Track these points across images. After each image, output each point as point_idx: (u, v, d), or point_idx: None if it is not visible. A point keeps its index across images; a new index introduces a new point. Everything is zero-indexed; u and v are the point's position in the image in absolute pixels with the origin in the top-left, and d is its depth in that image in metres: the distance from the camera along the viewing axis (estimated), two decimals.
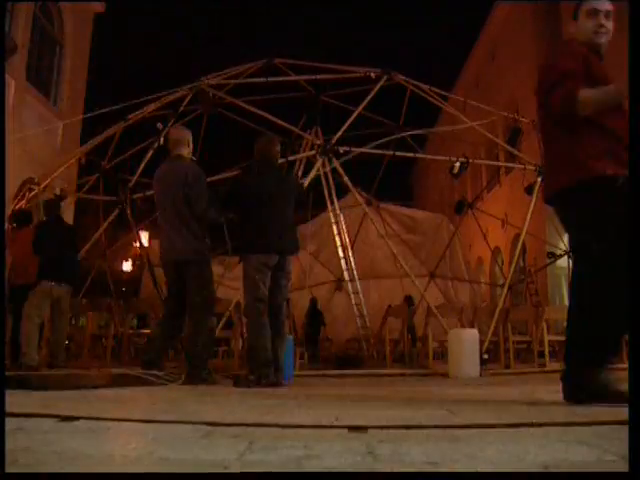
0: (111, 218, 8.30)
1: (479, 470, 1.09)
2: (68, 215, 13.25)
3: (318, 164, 7.23)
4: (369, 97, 8.20)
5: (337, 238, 9.84)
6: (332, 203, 9.64)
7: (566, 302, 13.64)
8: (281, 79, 8.67)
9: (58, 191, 8.24)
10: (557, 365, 6.56)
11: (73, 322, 9.43)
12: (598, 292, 2.26)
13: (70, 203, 9.31)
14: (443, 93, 9.67)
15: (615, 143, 2.34)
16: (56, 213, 6.00)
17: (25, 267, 5.63)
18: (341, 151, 7.33)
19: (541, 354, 6.73)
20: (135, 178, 7.88)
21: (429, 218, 11.41)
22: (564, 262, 11.56)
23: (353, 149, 7.74)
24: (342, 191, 9.67)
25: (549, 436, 1.47)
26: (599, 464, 1.13)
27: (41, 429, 1.55)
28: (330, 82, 9.22)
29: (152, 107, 8.46)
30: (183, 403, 2.63)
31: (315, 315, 10.59)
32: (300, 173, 9.52)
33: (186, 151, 4.38)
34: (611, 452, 1.23)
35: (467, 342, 5.61)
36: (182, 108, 8.23)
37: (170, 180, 4.23)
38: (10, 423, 1.52)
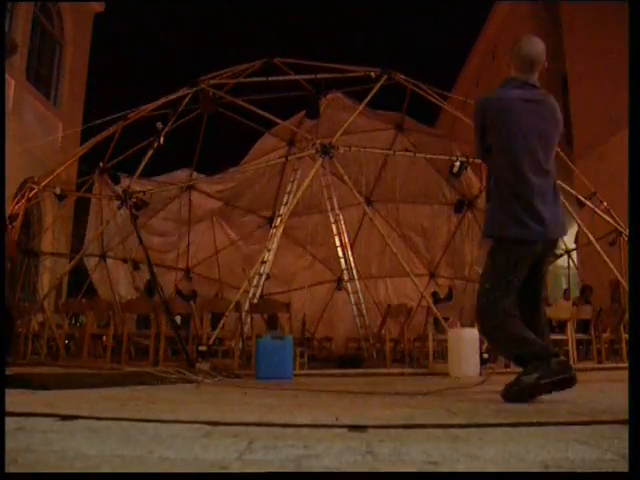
0: (111, 217, 8.31)
1: (479, 470, 1.09)
2: (68, 214, 13.28)
3: (318, 164, 7.23)
4: (369, 97, 8.20)
5: (336, 238, 9.84)
6: (331, 202, 9.64)
7: None
8: (281, 78, 8.67)
9: (58, 191, 8.23)
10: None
11: (73, 322, 9.44)
12: None
13: (70, 202, 9.29)
14: (443, 92, 9.66)
15: None
16: None
17: None
18: (341, 151, 7.32)
19: None
20: (135, 177, 7.89)
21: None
22: (564, 262, 11.56)
23: (353, 148, 7.74)
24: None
25: (549, 436, 1.47)
26: (599, 464, 1.13)
27: (41, 429, 1.55)
28: (330, 81, 9.22)
29: (152, 106, 8.46)
30: (183, 403, 2.63)
31: None
32: (300, 173, 9.53)
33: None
34: (611, 452, 1.23)
35: (467, 342, 5.61)
36: (182, 108, 8.22)
37: (549, 119, 2.88)
38: (10, 423, 1.51)
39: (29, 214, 9.92)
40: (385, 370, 6.33)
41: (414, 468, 1.10)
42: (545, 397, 2.56)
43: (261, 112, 8.92)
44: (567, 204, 7.94)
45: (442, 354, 7.91)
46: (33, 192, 8.58)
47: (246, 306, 7.37)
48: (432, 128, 11.54)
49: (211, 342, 6.21)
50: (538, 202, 2.77)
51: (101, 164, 8.99)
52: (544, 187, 2.81)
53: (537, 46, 3.04)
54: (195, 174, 10.03)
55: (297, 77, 8.78)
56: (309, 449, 1.27)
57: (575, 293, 13.10)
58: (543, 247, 2.87)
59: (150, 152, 8.27)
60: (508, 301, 2.76)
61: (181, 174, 9.96)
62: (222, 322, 6.47)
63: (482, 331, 3.05)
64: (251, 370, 5.32)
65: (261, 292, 9.20)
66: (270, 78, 8.48)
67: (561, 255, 11.11)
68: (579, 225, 7.87)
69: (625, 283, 7.13)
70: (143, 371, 4.50)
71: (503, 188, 2.83)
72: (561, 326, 7.25)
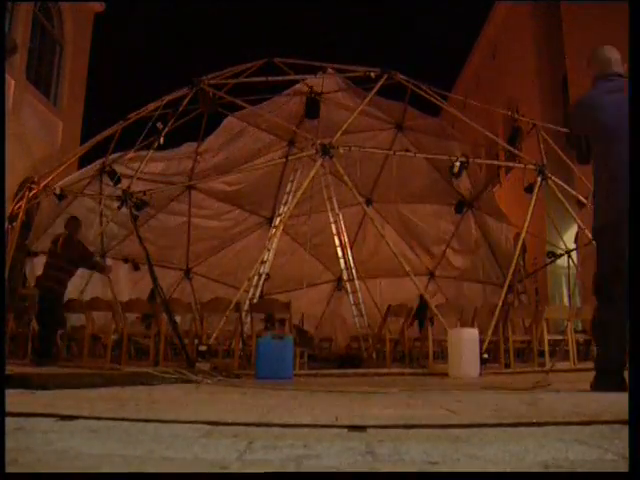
0: (111, 217, 8.31)
1: (479, 470, 1.09)
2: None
3: (318, 164, 7.23)
4: (369, 97, 8.20)
5: (336, 238, 9.84)
6: (331, 202, 9.64)
7: (566, 302, 13.65)
8: (281, 78, 8.67)
9: (58, 191, 8.23)
10: (557, 365, 6.57)
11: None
12: None
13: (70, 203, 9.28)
14: (443, 93, 9.65)
15: None
16: None
17: None
18: (341, 151, 7.32)
19: (541, 354, 6.73)
20: (135, 176, 7.88)
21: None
22: (564, 262, 11.56)
23: (353, 148, 7.74)
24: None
25: (549, 436, 1.47)
26: (599, 464, 1.13)
27: (41, 429, 1.55)
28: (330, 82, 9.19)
29: (152, 106, 8.46)
30: (183, 403, 2.63)
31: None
32: (299, 173, 9.53)
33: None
34: (611, 452, 1.23)
35: (467, 342, 5.61)
36: (182, 108, 8.22)
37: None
38: (10, 423, 1.51)
39: (29, 214, 9.91)
40: (385, 370, 6.33)
41: (414, 468, 1.10)
42: (545, 398, 2.56)
43: (261, 112, 8.93)
44: (567, 204, 7.96)
45: (442, 354, 7.91)
46: (33, 192, 8.58)
47: (246, 306, 7.38)
48: (436, 118, 11.29)
49: (212, 341, 6.21)
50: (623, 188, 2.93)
51: (103, 163, 8.98)
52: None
53: (613, 49, 3.40)
54: (203, 145, 9.77)
55: (297, 77, 8.78)
56: (309, 449, 1.27)
57: (575, 293, 13.11)
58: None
59: (150, 152, 8.28)
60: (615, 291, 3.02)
61: (187, 148, 9.76)
62: (222, 322, 6.48)
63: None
64: (251, 370, 5.33)
65: (261, 292, 9.20)
66: (270, 78, 8.48)
67: (561, 255, 11.11)
68: (579, 225, 7.87)
69: None
70: (143, 371, 4.50)
71: (599, 182, 3.19)
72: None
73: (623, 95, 3.05)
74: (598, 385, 3.03)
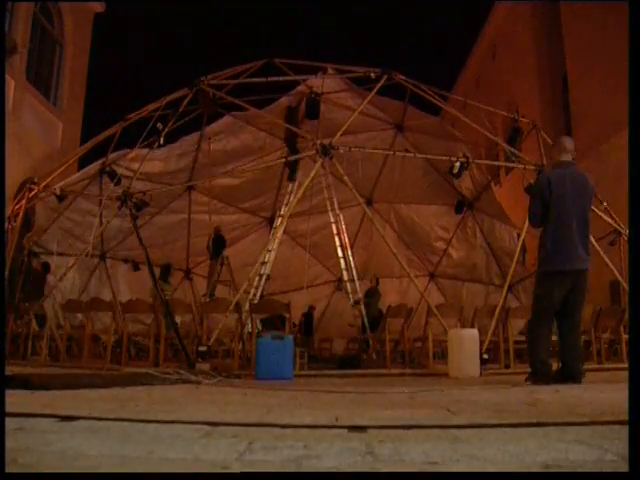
0: (111, 217, 8.30)
1: (479, 470, 1.09)
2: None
3: (318, 164, 7.23)
4: (369, 97, 8.20)
5: (336, 238, 9.83)
6: (331, 202, 9.63)
7: None
8: (281, 79, 8.67)
9: (58, 191, 8.23)
10: (556, 365, 6.56)
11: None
12: None
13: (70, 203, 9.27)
14: (443, 93, 9.64)
15: None
16: None
17: None
18: (341, 151, 7.32)
19: None
20: (135, 176, 7.88)
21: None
22: None
23: (353, 148, 7.74)
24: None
25: (549, 436, 1.47)
26: (599, 464, 1.13)
27: (41, 429, 1.55)
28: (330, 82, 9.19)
29: (152, 107, 8.46)
30: (183, 403, 2.63)
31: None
32: (300, 173, 9.53)
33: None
34: (611, 452, 1.23)
35: (467, 342, 5.61)
36: (182, 108, 8.22)
37: (580, 186, 4.22)
38: (10, 423, 1.51)
39: (29, 214, 9.92)
40: (385, 371, 6.33)
41: (414, 468, 1.10)
42: (545, 398, 2.57)
43: (261, 113, 8.92)
44: None
45: (442, 354, 7.91)
46: (33, 192, 8.58)
47: (246, 306, 7.37)
48: (436, 117, 11.18)
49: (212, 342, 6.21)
50: (566, 244, 4.06)
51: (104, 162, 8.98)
52: (575, 234, 4.08)
53: (571, 141, 4.45)
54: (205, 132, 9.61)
55: (297, 77, 8.78)
56: (309, 449, 1.27)
57: None
58: (571, 278, 4.08)
59: (150, 152, 8.28)
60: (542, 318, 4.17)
61: (190, 139, 9.67)
62: (221, 323, 6.47)
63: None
64: (251, 370, 5.33)
65: (261, 292, 9.19)
66: (270, 78, 8.48)
67: None
68: None
69: (625, 283, 7.13)
70: (143, 371, 4.50)
71: (544, 235, 4.16)
72: None
73: (572, 177, 4.22)
74: (530, 379, 4.05)
